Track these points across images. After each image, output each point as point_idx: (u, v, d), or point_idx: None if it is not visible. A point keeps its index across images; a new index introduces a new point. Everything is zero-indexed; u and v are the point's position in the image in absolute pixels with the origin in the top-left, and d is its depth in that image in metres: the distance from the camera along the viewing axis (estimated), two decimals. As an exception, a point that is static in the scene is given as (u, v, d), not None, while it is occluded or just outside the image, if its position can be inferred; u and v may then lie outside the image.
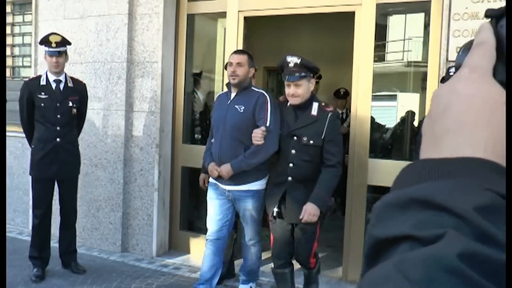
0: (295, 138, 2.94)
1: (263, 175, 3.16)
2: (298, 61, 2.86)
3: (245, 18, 4.11)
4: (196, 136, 4.75)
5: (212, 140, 3.24)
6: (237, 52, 3.27)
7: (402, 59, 7.77)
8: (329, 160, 2.89)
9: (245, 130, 3.04)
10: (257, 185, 3.15)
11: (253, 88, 3.17)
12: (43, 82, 3.60)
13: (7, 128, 4.88)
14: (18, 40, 5.30)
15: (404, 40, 7.69)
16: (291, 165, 2.94)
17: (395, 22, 7.49)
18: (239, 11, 4.10)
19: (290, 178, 2.95)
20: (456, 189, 0.33)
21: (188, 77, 4.54)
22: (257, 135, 2.94)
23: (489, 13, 0.43)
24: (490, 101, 0.38)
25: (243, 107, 3.08)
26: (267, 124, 3.01)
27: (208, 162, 3.21)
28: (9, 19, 5.30)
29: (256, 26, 4.95)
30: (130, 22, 4.23)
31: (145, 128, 4.25)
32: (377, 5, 3.66)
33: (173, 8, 4.29)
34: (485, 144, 0.36)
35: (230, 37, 4.13)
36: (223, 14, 4.27)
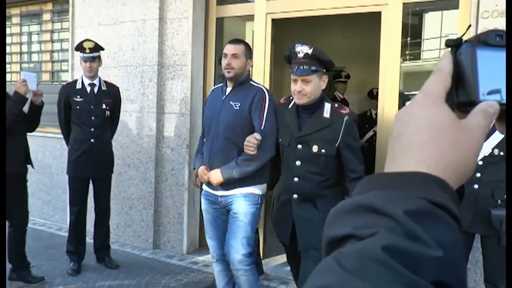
0: (300, 146, 2.48)
1: (260, 181, 2.77)
2: (310, 51, 2.38)
3: (273, 20, 4.16)
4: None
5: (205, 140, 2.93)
6: (232, 41, 2.81)
7: (438, 57, 7.66)
8: (354, 171, 2.44)
9: (240, 130, 2.67)
10: (253, 189, 2.74)
11: (251, 82, 2.81)
12: (78, 86, 3.78)
13: (46, 130, 5.14)
14: (56, 46, 5.56)
15: (440, 37, 7.57)
16: (296, 179, 2.50)
17: (431, 19, 7.38)
18: (267, 13, 4.15)
19: (295, 196, 2.51)
20: (394, 198, 0.39)
21: (218, 79, 4.64)
22: (250, 144, 2.53)
23: (448, 43, 0.49)
24: (438, 123, 0.44)
25: (238, 104, 2.70)
26: (263, 127, 2.64)
27: (199, 165, 2.85)
28: (48, 26, 5.57)
29: (287, 27, 5.00)
30: (160, 27, 4.36)
31: (175, 129, 4.38)
32: (404, 4, 3.64)
33: (202, 12, 4.40)
34: (429, 161, 0.43)
35: (258, 39, 4.19)
36: (251, 17, 4.33)
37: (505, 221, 2.36)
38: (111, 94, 3.90)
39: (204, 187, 2.88)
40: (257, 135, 2.54)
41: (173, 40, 4.37)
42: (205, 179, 2.75)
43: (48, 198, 5.31)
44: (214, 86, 4.67)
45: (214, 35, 4.45)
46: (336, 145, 2.42)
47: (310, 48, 2.38)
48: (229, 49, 2.73)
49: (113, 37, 4.67)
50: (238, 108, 2.70)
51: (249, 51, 2.81)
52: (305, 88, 2.42)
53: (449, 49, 0.49)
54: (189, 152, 4.30)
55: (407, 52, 6.68)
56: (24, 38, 5.95)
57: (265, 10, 4.16)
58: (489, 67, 0.45)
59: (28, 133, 3.53)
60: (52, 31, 5.57)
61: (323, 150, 2.43)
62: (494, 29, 0.47)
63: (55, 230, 5.00)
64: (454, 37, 0.50)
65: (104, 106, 3.80)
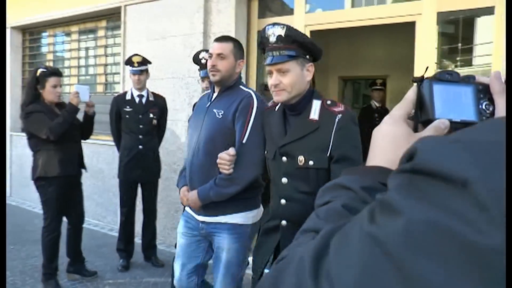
0: (284, 159, 1.93)
1: (250, 206, 2.31)
2: (283, 31, 1.85)
3: (311, 32, 4.30)
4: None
5: None
6: (219, 39, 2.34)
7: (490, 63, 7.50)
8: None
9: (222, 143, 2.21)
10: (240, 217, 2.27)
11: (241, 87, 2.34)
12: (128, 97, 4.11)
13: (100, 137, 5.54)
14: (110, 60, 5.98)
15: (492, 43, 7.43)
16: (283, 201, 1.95)
17: (482, 25, 7.29)
18: (305, 25, 4.30)
19: (284, 223, 1.95)
20: (357, 179, 0.63)
21: (259, 88, 4.84)
22: (222, 162, 2.13)
23: (414, 79, 0.69)
24: (395, 136, 0.66)
25: (221, 112, 2.25)
26: (244, 139, 2.17)
27: (182, 184, 2.44)
28: (102, 41, 6.01)
29: (330, 36, 5.09)
30: (204, 41, 4.63)
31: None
32: (438, 13, 3.72)
33: (244, 26, 4.62)
34: (386, 160, 0.65)
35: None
36: None
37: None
38: (158, 104, 4.19)
39: (187, 207, 2.47)
40: (231, 150, 2.11)
41: (216, 52, 4.60)
42: (186, 202, 2.34)
43: (101, 200, 5.70)
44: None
45: (256, 48, 4.65)
46: (328, 154, 1.82)
47: (283, 28, 1.85)
48: (214, 48, 2.29)
49: (161, 51, 4.99)
50: (220, 116, 2.24)
51: (239, 50, 2.34)
52: (282, 80, 1.87)
53: (415, 83, 0.67)
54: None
55: (457, 59, 6.64)
56: (82, 53, 6.43)
57: (304, 22, 4.29)
58: (441, 96, 0.64)
59: (83, 141, 3.87)
60: (106, 46, 6.00)
61: (310, 162, 1.85)
62: (445, 70, 0.66)
63: (107, 230, 5.36)
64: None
65: (151, 115, 4.10)
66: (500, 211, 0.30)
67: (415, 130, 0.65)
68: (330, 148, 1.83)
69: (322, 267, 0.42)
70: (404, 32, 5.56)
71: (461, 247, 0.32)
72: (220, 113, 2.25)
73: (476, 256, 0.31)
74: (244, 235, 2.28)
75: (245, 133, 2.17)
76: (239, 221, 2.26)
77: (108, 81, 6.04)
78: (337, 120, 1.84)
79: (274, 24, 1.89)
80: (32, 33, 7.20)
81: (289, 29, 1.86)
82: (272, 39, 1.87)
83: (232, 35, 4.45)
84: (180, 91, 4.77)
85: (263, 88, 4.99)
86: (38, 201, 3.77)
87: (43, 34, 7.05)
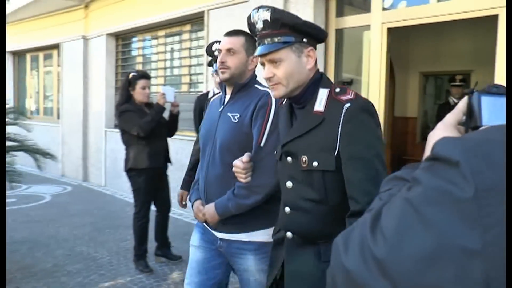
0: (289, 159, 1.63)
1: (273, 221, 1.87)
2: (269, 15, 1.55)
3: (388, 29, 4.27)
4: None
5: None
6: (228, 33, 2.08)
7: None
8: (356, 200, 1.46)
9: (239, 151, 1.91)
10: (265, 234, 1.96)
11: (256, 86, 2.05)
12: (210, 95, 4.38)
13: (185, 133, 5.92)
14: (194, 61, 6.37)
15: None
16: (287, 209, 1.65)
17: None
18: (382, 23, 4.27)
19: (289, 234, 1.65)
20: (412, 172, 0.75)
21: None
22: (238, 170, 1.86)
23: (466, 91, 0.83)
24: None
25: (237, 115, 1.97)
26: (262, 143, 1.90)
27: (194, 198, 2.15)
28: (187, 44, 6.41)
29: (410, 32, 5.02)
30: (283, 40, 4.78)
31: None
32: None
33: (322, 25, 4.68)
34: None
35: (375, 48, 4.33)
36: (369, 27, 4.45)
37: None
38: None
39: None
40: (245, 157, 1.85)
41: (294, 52, 4.73)
42: (201, 218, 2.06)
43: (185, 193, 6.07)
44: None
45: (334, 46, 4.71)
46: (335, 153, 1.50)
47: (268, 10, 1.55)
48: (223, 42, 2.04)
49: (241, 52, 5.23)
50: (237, 121, 1.97)
51: (252, 44, 2.00)
52: (276, 72, 1.57)
53: (467, 95, 0.81)
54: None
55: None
56: (168, 56, 6.90)
57: (381, 20, 4.27)
58: (488, 106, 0.76)
59: (169, 137, 4.21)
60: (190, 48, 6.39)
61: (314, 163, 1.53)
62: (493, 84, 0.78)
63: (190, 219, 5.73)
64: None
65: (231, 113, 4.34)
66: (474, 181, 0.51)
67: None
68: (337, 146, 1.49)
69: (376, 224, 0.61)
70: (488, 26, 5.35)
71: (451, 199, 0.53)
72: (236, 117, 1.98)
73: (458, 203, 0.52)
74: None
75: (263, 135, 1.90)
76: (264, 238, 1.96)
77: (192, 81, 6.42)
78: (344, 110, 1.49)
79: (259, 7, 1.60)
80: (124, 38, 7.84)
81: (275, 11, 1.55)
82: (259, 25, 1.59)
83: (308, 34, 4.54)
84: (259, 90, 4.96)
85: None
86: (129, 191, 4.19)
87: (133, 39, 7.64)
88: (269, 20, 1.55)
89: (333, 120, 1.50)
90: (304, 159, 1.56)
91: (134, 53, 7.73)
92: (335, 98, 1.55)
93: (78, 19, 8.49)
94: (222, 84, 2.12)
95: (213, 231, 2.07)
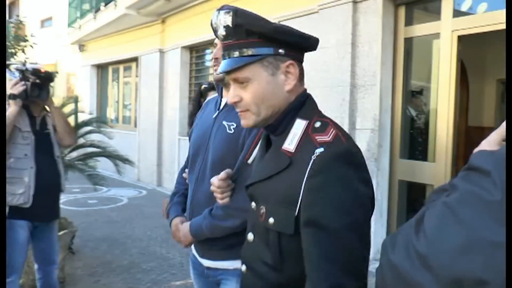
0: (253, 205, 1.28)
1: None
2: (230, 20, 1.16)
3: (458, 37, 4.15)
4: (413, 151, 4.92)
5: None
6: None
7: None
8: (310, 284, 1.05)
9: (233, 166, 1.61)
10: None
11: None
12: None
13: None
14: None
15: None
16: (243, 268, 1.31)
17: None
18: (452, 30, 4.16)
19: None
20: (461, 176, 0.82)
21: (405, 97, 4.81)
22: (214, 189, 1.56)
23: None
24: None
25: (233, 125, 1.68)
26: (250, 159, 1.52)
27: (174, 214, 1.87)
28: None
29: (485, 38, 4.85)
30: (352, 51, 4.78)
31: (365, 144, 4.69)
32: None
33: (391, 35, 4.64)
34: None
35: (444, 56, 4.24)
36: (438, 35, 4.36)
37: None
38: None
39: (192, 247, 1.87)
40: (222, 174, 1.54)
41: (364, 62, 4.70)
42: (178, 238, 1.79)
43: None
44: (402, 104, 4.93)
45: (402, 55, 4.64)
46: (296, 211, 1.10)
47: (229, 13, 1.17)
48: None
49: (313, 63, 5.30)
50: (232, 131, 1.68)
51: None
52: (243, 96, 1.20)
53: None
54: (377, 165, 4.56)
55: None
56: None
57: (451, 28, 4.16)
58: None
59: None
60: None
61: (270, 219, 1.16)
62: None
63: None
64: None
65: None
66: (502, 187, 0.60)
67: None
68: (299, 203, 1.09)
69: (420, 225, 0.70)
70: None
71: (483, 201, 0.62)
72: (232, 127, 1.68)
73: (488, 205, 0.61)
74: None
75: (252, 151, 1.53)
76: None
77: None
78: (314, 156, 1.08)
79: (220, 8, 1.22)
80: (197, 51, 8.20)
81: (237, 14, 1.16)
82: (221, 31, 1.20)
83: (379, 44, 4.54)
84: (330, 100, 4.97)
85: (410, 96, 4.95)
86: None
87: (207, 51, 7.97)
88: (230, 25, 1.17)
89: (301, 167, 1.09)
90: (262, 211, 1.20)
91: (207, 64, 8.05)
92: (310, 136, 1.14)
93: (155, 33, 9.01)
94: (218, 86, 1.81)
95: (199, 258, 1.80)
